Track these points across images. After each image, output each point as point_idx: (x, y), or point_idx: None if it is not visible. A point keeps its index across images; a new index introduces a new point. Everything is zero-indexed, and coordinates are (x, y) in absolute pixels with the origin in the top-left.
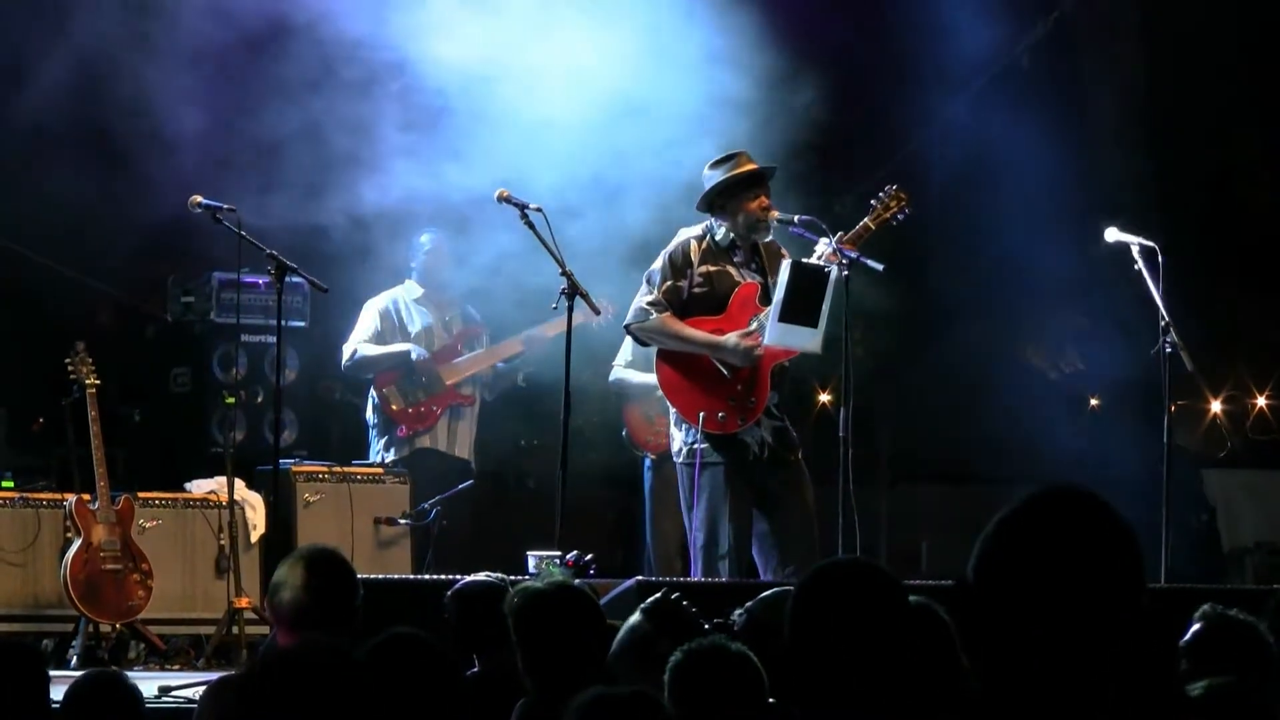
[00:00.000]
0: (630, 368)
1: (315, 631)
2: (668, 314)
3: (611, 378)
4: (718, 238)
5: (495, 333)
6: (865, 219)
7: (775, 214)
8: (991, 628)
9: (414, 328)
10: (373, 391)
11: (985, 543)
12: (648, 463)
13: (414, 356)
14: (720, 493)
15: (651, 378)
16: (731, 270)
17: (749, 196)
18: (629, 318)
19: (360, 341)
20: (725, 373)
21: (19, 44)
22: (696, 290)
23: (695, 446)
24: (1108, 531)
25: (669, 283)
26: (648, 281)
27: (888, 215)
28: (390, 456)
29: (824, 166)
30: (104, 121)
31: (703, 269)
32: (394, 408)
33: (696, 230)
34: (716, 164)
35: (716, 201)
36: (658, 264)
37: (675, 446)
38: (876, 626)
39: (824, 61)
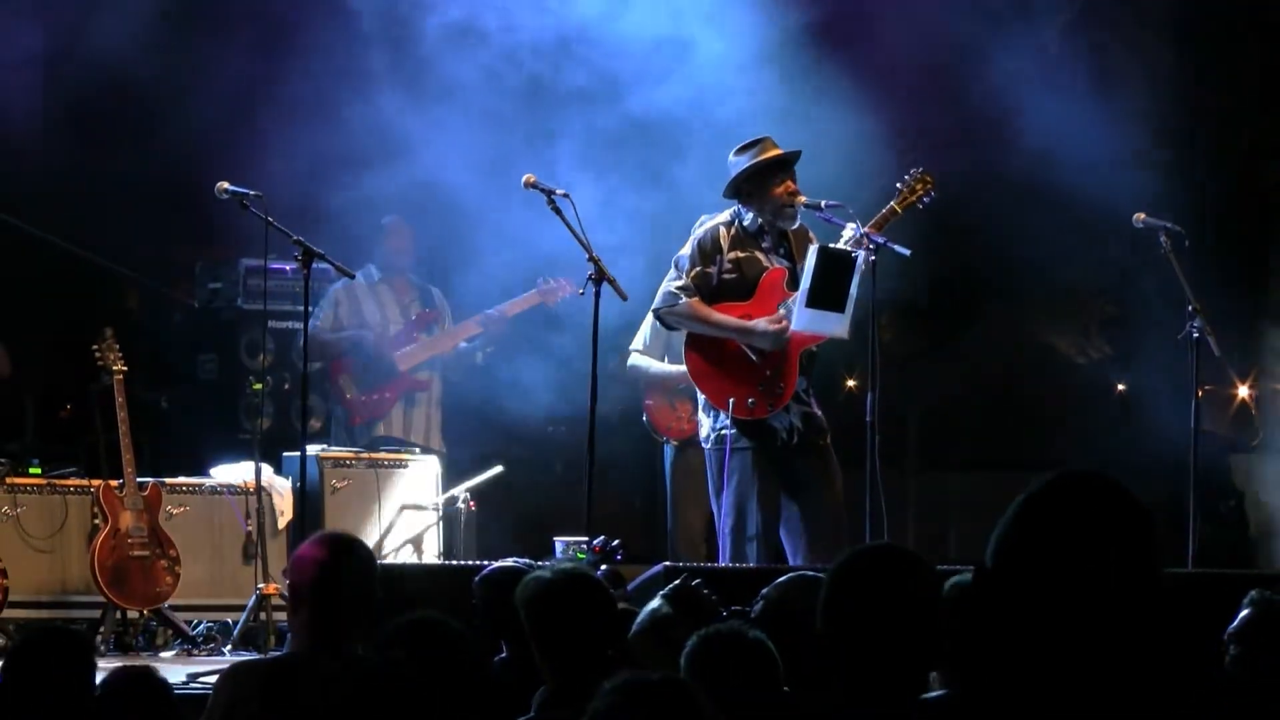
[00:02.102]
0: (646, 354)
1: (332, 612)
2: (696, 299)
3: (628, 364)
4: (745, 223)
5: (458, 316)
6: (891, 203)
7: (802, 199)
8: (1011, 613)
9: (369, 313)
10: (326, 379)
11: (1003, 529)
12: (669, 449)
13: (365, 343)
14: (749, 477)
15: (667, 365)
16: (760, 256)
17: (775, 182)
18: (657, 302)
19: (315, 325)
20: (754, 358)
21: (50, 29)
22: (726, 276)
23: (724, 431)
24: (1125, 516)
25: (698, 268)
26: (676, 266)
27: (914, 199)
28: (344, 444)
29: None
30: (133, 107)
31: (732, 255)
32: (346, 396)
33: (724, 216)
34: (742, 149)
35: (744, 187)
36: (686, 249)
37: (704, 432)
38: (909, 612)
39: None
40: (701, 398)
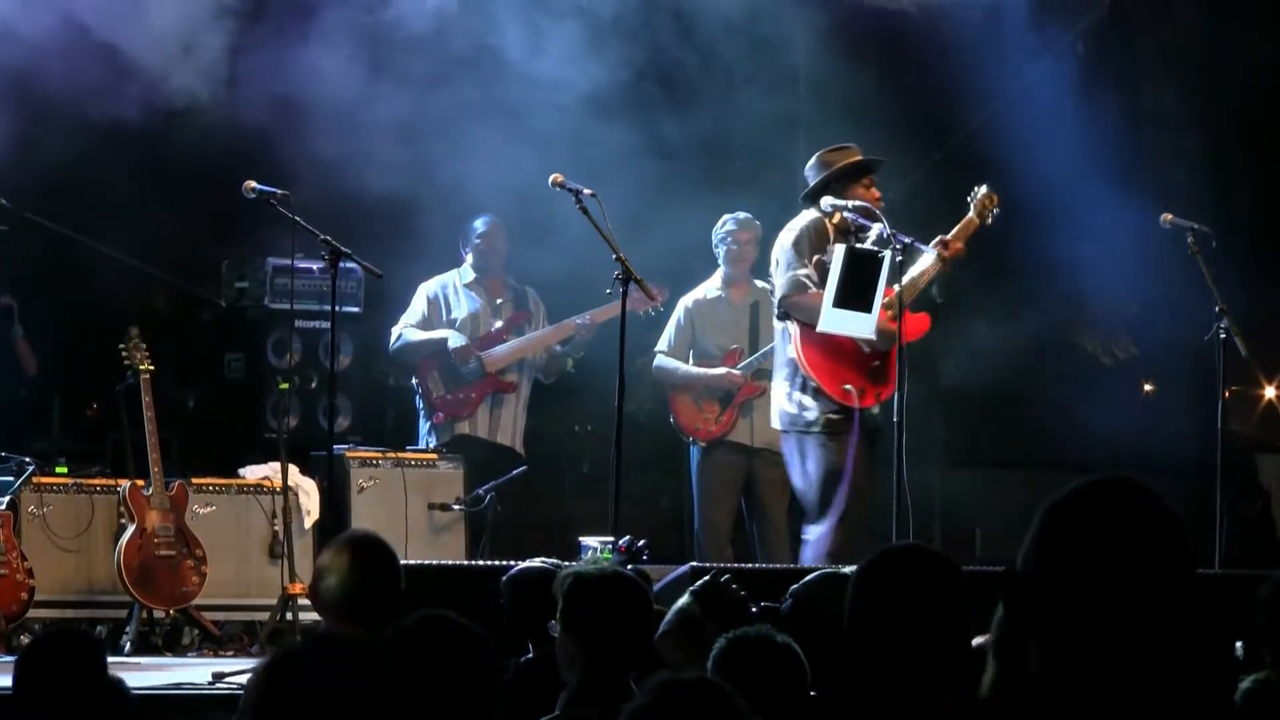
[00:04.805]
0: (671, 354)
1: (358, 618)
2: (820, 290)
3: (654, 365)
4: (837, 221)
5: (559, 316)
6: (970, 214)
7: (879, 201)
8: (1042, 616)
9: (459, 313)
10: (415, 378)
11: (1034, 531)
12: (695, 450)
13: (451, 344)
14: (838, 458)
15: (693, 366)
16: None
17: (862, 185)
18: (785, 289)
19: (406, 326)
20: (865, 349)
21: (75, 27)
22: (830, 264)
23: (831, 416)
24: (1156, 521)
25: (817, 256)
26: (797, 254)
27: (986, 214)
28: (432, 442)
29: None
30: (157, 106)
31: (835, 246)
32: (433, 394)
33: (814, 214)
34: (829, 153)
35: (832, 189)
36: (793, 239)
37: (812, 416)
38: (934, 613)
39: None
40: (801, 379)
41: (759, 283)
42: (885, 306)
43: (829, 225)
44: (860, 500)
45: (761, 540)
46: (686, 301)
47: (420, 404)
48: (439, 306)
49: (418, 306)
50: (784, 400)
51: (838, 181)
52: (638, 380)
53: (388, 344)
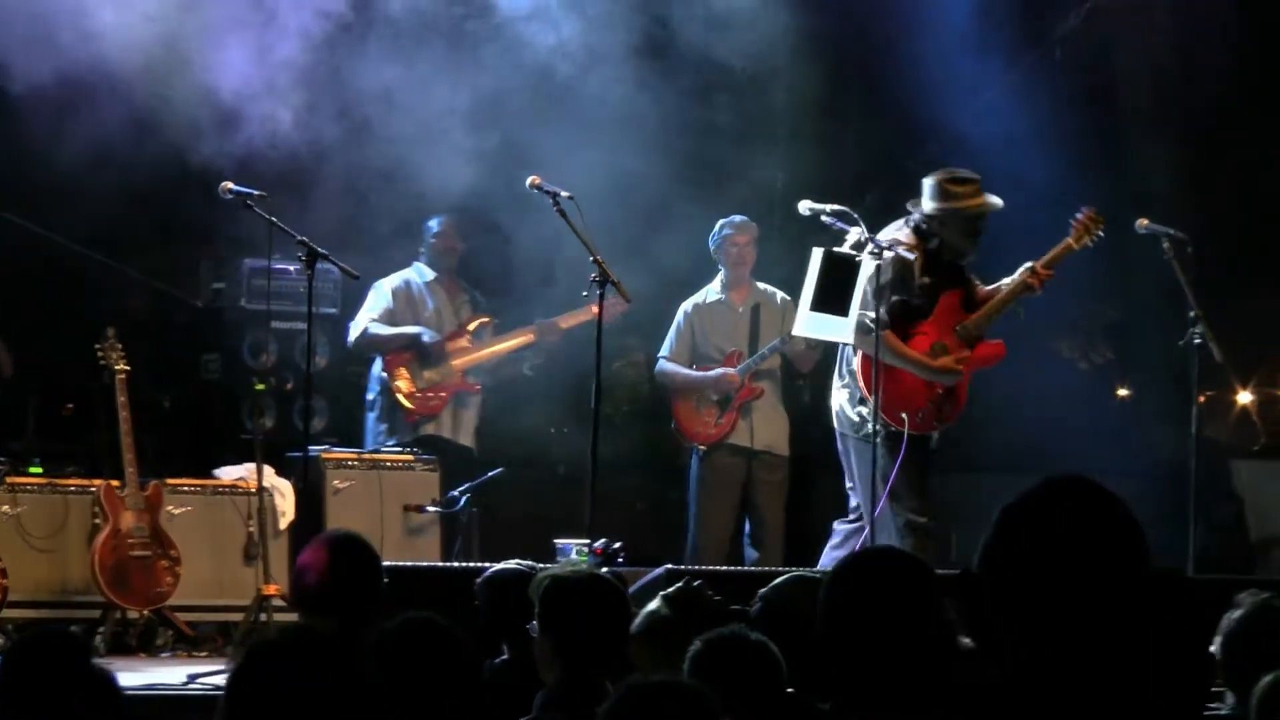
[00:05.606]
0: (673, 359)
1: (338, 615)
2: (889, 331)
3: (656, 369)
4: (931, 246)
5: (505, 321)
6: (1068, 239)
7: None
8: (997, 615)
9: (427, 311)
10: (378, 372)
11: (989, 533)
12: (696, 453)
13: (426, 340)
14: (887, 467)
15: (694, 371)
16: (941, 279)
17: (973, 228)
18: (853, 333)
19: (371, 320)
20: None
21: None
22: (915, 302)
23: (888, 430)
24: (1109, 520)
25: (897, 298)
26: (877, 295)
27: (1088, 237)
28: (391, 441)
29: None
30: (134, 106)
31: (922, 280)
32: (403, 390)
33: (908, 234)
34: (957, 182)
35: (945, 219)
36: (880, 275)
37: (871, 428)
38: (906, 615)
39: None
40: (857, 395)
41: (760, 285)
42: (960, 340)
43: (919, 259)
44: (919, 503)
45: (756, 543)
46: (686, 306)
47: (374, 400)
48: (405, 301)
49: (380, 301)
50: (845, 406)
51: (958, 215)
52: (614, 383)
53: (346, 336)
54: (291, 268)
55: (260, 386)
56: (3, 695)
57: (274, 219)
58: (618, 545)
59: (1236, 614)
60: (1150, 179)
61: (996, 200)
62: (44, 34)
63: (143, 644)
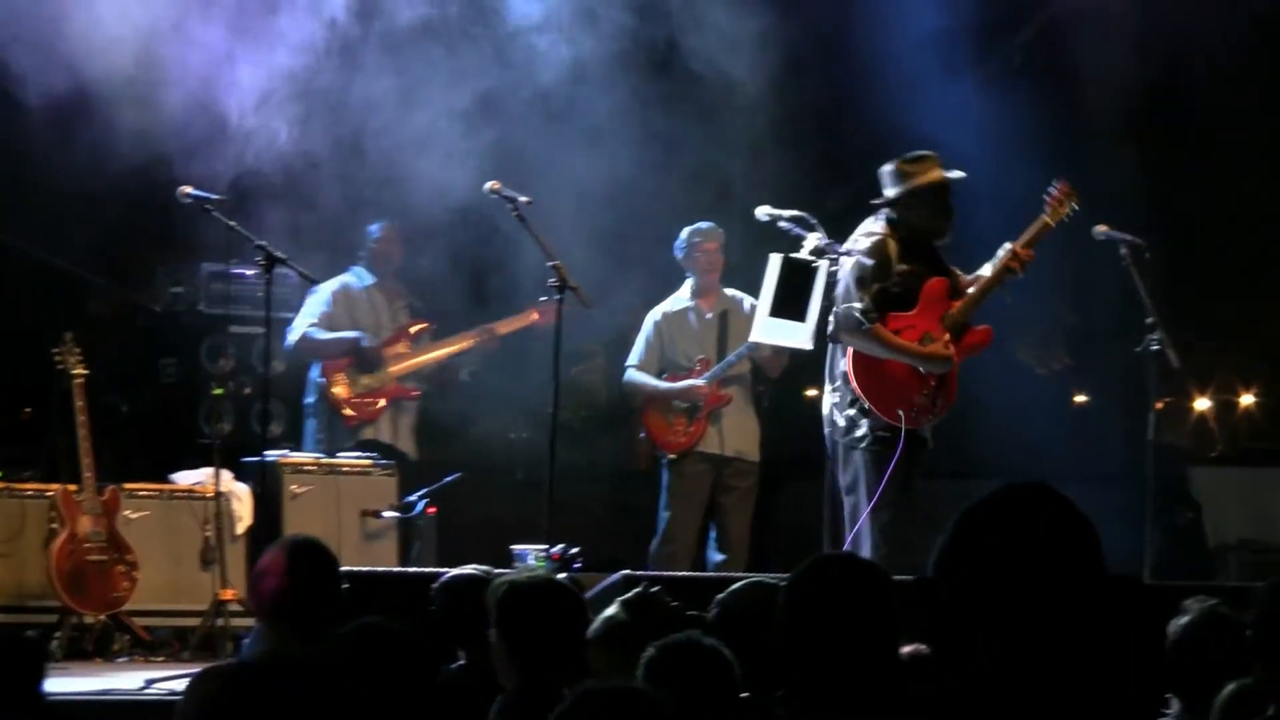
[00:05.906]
0: (642, 369)
1: (297, 620)
2: (878, 324)
3: (624, 379)
4: (905, 234)
5: (442, 326)
6: (1043, 216)
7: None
8: (954, 619)
9: (363, 316)
10: (316, 377)
11: (945, 537)
12: (665, 461)
13: (364, 344)
14: (879, 474)
15: (663, 381)
16: (922, 267)
17: (939, 201)
18: (841, 323)
19: (310, 324)
20: (920, 370)
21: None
22: (894, 290)
23: (880, 434)
24: (1065, 525)
25: (877, 285)
26: (854, 282)
27: (1064, 211)
28: (323, 445)
29: (815, 162)
30: (91, 107)
31: (900, 268)
32: (340, 396)
33: (882, 225)
34: (910, 162)
35: (909, 201)
36: (856, 266)
37: (861, 432)
38: (864, 621)
39: (814, 56)
40: (851, 394)
41: (728, 291)
42: (946, 328)
43: (894, 246)
44: (897, 512)
45: (721, 546)
46: (655, 314)
47: (312, 405)
48: (344, 306)
49: (318, 305)
50: (835, 413)
51: (920, 194)
52: (572, 389)
53: (284, 339)
54: (250, 272)
55: (218, 391)
56: None
57: (232, 223)
58: (575, 550)
59: (1183, 620)
60: (1109, 184)
61: (957, 172)
62: (9, 38)
63: (99, 649)
